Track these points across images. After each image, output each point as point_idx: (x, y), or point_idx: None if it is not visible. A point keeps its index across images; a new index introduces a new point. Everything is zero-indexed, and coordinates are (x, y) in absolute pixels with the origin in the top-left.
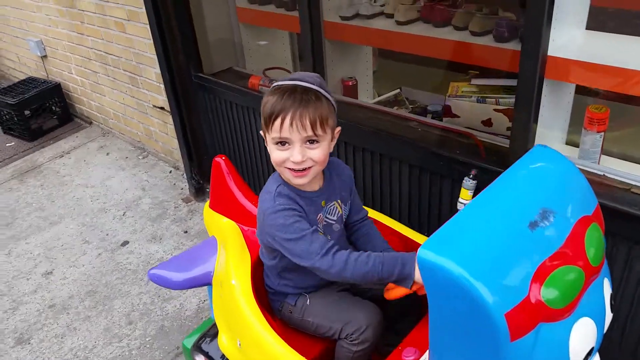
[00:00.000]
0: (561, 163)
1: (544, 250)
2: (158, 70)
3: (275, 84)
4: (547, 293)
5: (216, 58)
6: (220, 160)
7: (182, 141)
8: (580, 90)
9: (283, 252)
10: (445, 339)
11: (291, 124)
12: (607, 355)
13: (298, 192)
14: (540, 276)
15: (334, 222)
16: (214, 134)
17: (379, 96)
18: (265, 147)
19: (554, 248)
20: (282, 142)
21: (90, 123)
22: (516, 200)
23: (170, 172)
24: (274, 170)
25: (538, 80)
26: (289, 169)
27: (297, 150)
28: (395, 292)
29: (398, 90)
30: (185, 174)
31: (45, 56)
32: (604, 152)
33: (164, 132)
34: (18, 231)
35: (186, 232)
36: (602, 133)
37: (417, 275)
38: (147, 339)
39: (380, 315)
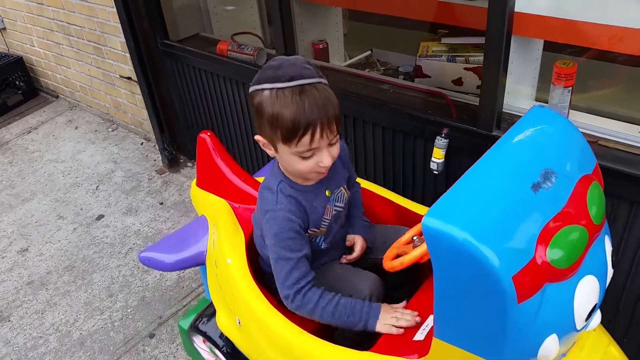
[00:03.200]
0: (560, 123)
1: (548, 211)
2: (123, 39)
3: (268, 85)
4: (552, 254)
5: (182, 24)
6: (205, 136)
7: (152, 111)
8: (551, 48)
9: None
10: (451, 305)
11: (322, 136)
12: (607, 314)
13: (300, 188)
14: (545, 237)
15: (341, 209)
16: (184, 103)
17: (350, 59)
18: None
19: (558, 208)
20: (308, 154)
21: (57, 97)
22: (517, 162)
23: (142, 143)
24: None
25: (506, 37)
26: (316, 172)
27: (326, 156)
28: (395, 264)
29: (369, 52)
30: (157, 145)
31: (4, 29)
32: (573, 107)
33: (132, 103)
34: None
35: (162, 203)
36: (570, 88)
37: (379, 328)
38: (129, 310)
39: (382, 285)
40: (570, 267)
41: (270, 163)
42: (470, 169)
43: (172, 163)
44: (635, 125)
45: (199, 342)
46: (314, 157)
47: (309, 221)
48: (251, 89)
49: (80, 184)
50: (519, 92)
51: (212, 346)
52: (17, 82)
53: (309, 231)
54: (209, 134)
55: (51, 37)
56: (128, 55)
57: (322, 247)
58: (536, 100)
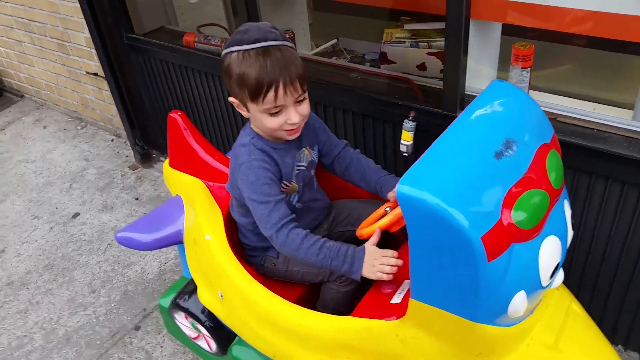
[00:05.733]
0: (518, 95)
1: (511, 177)
2: (87, 35)
3: (234, 47)
4: (517, 215)
5: (146, 17)
6: (175, 115)
7: (121, 107)
8: (510, 32)
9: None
10: (426, 266)
11: (285, 92)
12: (574, 281)
13: (272, 145)
14: (509, 201)
15: (304, 169)
16: (152, 97)
17: (316, 48)
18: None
19: (520, 174)
20: (275, 110)
21: (22, 96)
22: (480, 133)
23: (112, 140)
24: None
25: (465, 22)
26: (285, 130)
27: (293, 113)
28: (367, 231)
29: (335, 41)
30: (128, 141)
31: None
32: (533, 87)
33: (100, 99)
34: None
35: (137, 199)
36: (528, 68)
37: (366, 273)
38: (113, 305)
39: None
40: (534, 227)
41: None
42: (436, 140)
43: (145, 158)
44: (590, 102)
45: (180, 318)
46: (282, 115)
47: (281, 173)
48: (222, 53)
49: (53, 183)
50: (480, 74)
51: (195, 321)
52: None
53: (282, 184)
54: (179, 113)
55: (12, 35)
56: (93, 50)
57: (297, 205)
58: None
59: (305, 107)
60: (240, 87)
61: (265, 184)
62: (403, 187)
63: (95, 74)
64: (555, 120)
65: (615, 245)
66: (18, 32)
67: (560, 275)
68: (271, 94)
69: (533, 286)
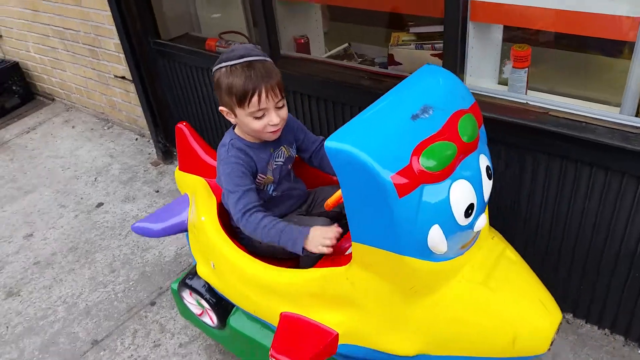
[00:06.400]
0: (443, 74)
1: (423, 133)
2: (117, 41)
3: (223, 64)
4: (425, 161)
5: (172, 24)
6: (181, 126)
7: (146, 108)
8: (511, 39)
9: None
10: (356, 210)
11: (267, 96)
12: (562, 262)
13: (249, 144)
14: (419, 150)
15: (281, 163)
16: (176, 98)
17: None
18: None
19: (432, 132)
20: (259, 113)
21: (53, 99)
22: (402, 101)
23: (137, 139)
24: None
25: (461, 23)
26: (268, 132)
27: (274, 116)
28: (330, 202)
29: (347, 45)
30: (151, 140)
31: (0, 36)
32: (531, 88)
33: (126, 101)
34: None
35: (157, 191)
36: (526, 69)
37: (309, 248)
38: (131, 283)
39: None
40: (441, 171)
41: None
42: (365, 109)
43: (166, 155)
44: (581, 100)
45: (187, 296)
46: (265, 118)
47: (257, 167)
48: (213, 70)
49: (79, 176)
50: (480, 75)
51: (198, 297)
52: (13, 87)
53: (258, 177)
54: (184, 124)
55: (47, 43)
56: (122, 55)
57: (273, 194)
58: (498, 82)
59: (284, 111)
60: (229, 95)
61: (237, 177)
62: (330, 143)
63: (123, 77)
64: (547, 114)
65: (601, 229)
66: (53, 39)
67: (482, 219)
68: (255, 98)
69: (448, 223)
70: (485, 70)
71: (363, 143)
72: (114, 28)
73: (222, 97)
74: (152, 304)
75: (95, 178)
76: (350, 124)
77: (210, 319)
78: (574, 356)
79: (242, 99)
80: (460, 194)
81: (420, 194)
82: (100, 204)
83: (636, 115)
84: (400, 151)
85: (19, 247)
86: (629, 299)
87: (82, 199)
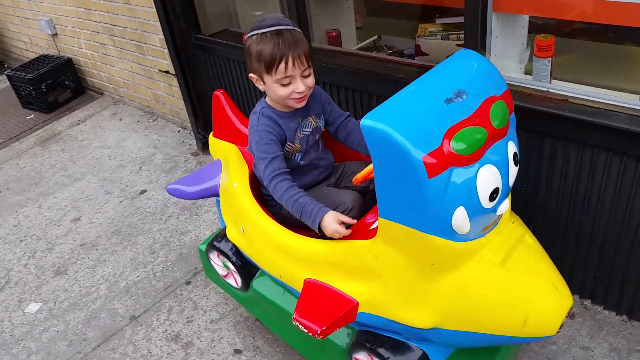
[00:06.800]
0: (478, 59)
1: (455, 117)
2: (161, 36)
3: (254, 32)
4: (455, 145)
5: (213, 20)
6: (218, 93)
7: (188, 100)
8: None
9: None
10: (386, 187)
11: (294, 64)
12: (579, 242)
13: (279, 113)
14: (450, 133)
15: (309, 133)
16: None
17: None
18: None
19: (464, 116)
20: (286, 81)
21: (102, 93)
22: (437, 85)
23: (179, 131)
24: None
25: (481, 13)
26: (294, 98)
27: (300, 83)
28: (360, 176)
29: (376, 37)
30: (192, 131)
31: (56, 34)
32: (556, 78)
33: (170, 94)
34: (45, 188)
35: None
36: (550, 58)
37: (326, 228)
38: (169, 264)
39: (361, 199)
40: (470, 155)
41: None
42: (401, 90)
43: (206, 146)
44: (599, 88)
45: (214, 257)
46: (291, 85)
47: (285, 135)
48: (244, 37)
49: (125, 165)
50: (505, 65)
51: (225, 259)
52: (66, 82)
53: (287, 145)
54: (221, 91)
55: (97, 39)
56: (166, 50)
57: (300, 163)
58: (525, 71)
59: (310, 80)
60: (258, 62)
61: (266, 144)
62: (366, 121)
63: (167, 72)
64: (567, 101)
65: (618, 215)
66: (103, 36)
67: (505, 204)
68: (282, 65)
69: (473, 205)
70: (511, 60)
71: (398, 123)
72: (158, 24)
73: (252, 64)
74: (188, 283)
75: (140, 167)
76: (386, 104)
77: (235, 280)
78: (590, 340)
79: (270, 66)
80: (487, 178)
81: (449, 176)
82: (143, 191)
83: None
84: (433, 133)
85: (67, 230)
86: None
87: (126, 186)
